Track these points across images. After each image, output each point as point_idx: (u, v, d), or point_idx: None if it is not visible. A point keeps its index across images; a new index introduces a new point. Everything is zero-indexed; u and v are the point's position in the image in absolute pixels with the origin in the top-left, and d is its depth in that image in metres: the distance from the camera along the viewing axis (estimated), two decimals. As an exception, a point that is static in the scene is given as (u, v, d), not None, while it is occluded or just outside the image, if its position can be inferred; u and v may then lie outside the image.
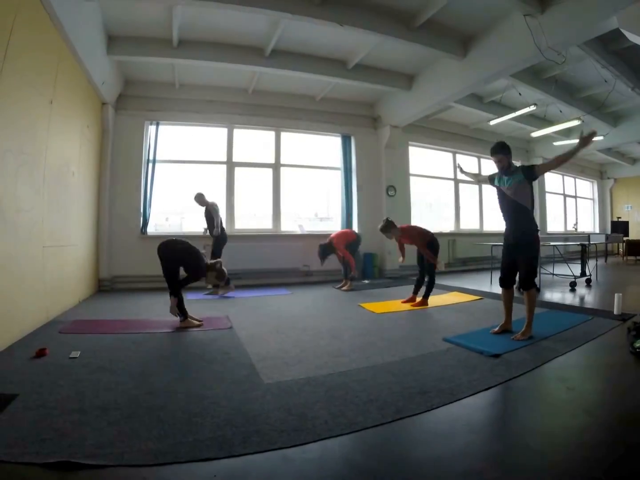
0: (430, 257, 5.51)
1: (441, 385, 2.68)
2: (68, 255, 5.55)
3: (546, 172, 3.96)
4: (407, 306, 5.58)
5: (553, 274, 7.94)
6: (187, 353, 3.51)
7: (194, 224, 8.49)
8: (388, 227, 5.67)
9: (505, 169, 3.88)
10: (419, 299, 5.72)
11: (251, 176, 8.87)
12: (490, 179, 4.09)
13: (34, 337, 3.99)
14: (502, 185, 3.95)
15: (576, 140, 3.53)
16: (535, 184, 11.56)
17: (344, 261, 7.37)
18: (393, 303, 5.71)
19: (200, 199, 6.91)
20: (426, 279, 5.74)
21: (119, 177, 7.61)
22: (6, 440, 1.94)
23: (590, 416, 2.26)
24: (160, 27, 6.04)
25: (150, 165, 7.91)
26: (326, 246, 7.20)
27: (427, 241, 5.61)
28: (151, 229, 8.01)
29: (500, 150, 3.84)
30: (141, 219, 7.79)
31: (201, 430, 2.07)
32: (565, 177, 14.95)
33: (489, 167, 11.75)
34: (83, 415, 2.24)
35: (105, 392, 2.57)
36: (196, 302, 6.10)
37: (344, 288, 7.37)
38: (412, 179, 10.32)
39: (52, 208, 4.85)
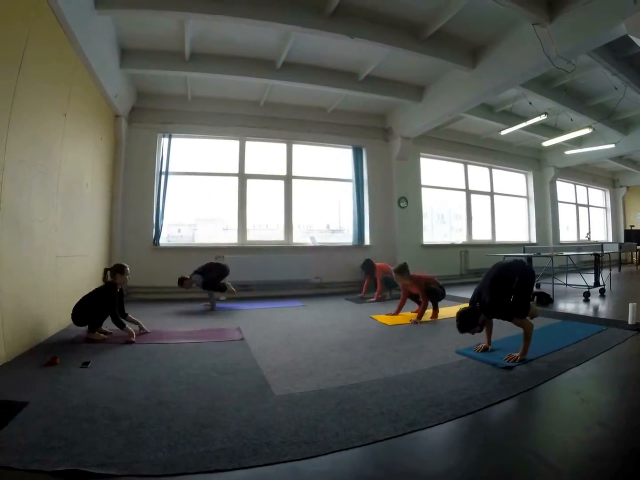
0: (423, 306, 5.45)
1: (454, 397, 2.64)
2: (81, 265, 5.61)
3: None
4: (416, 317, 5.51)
5: (566, 284, 7.84)
6: (198, 364, 3.49)
7: (206, 236, 8.59)
8: (403, 270, 5.55)
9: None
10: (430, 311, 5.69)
11: (263, 188, 8.93)
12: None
13: (46, 345, 4.03)
14: None
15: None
16: (547, 193, 11.54)
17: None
18: (405, 315, 5.64)
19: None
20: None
21: (132, 188, 7.70)
22: (16, 447, 1.95)
23: (605, 428, 2.21)
24: (173, 40, 6.14)
25: (163, 177, 7.99)
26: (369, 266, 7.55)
27: (431, 288, 5.59)
28: (163, 241, 8.07)
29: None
30: (154, 230, 7.86)
31: (211, 442, 2.06)
32: (578, 187, 14.83)
33: (500, 177, 11.75)
34: (93, 424, 2.24)
35: (115, 402, 2.57)
36: (208, 314, 6.21)
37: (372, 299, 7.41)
38: (423, 190, 10.28)
39: (65, 218, 4.91)
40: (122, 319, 4.45)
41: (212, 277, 6.51)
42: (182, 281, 6.47)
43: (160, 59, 6.50)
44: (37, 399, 2.57)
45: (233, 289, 6.78)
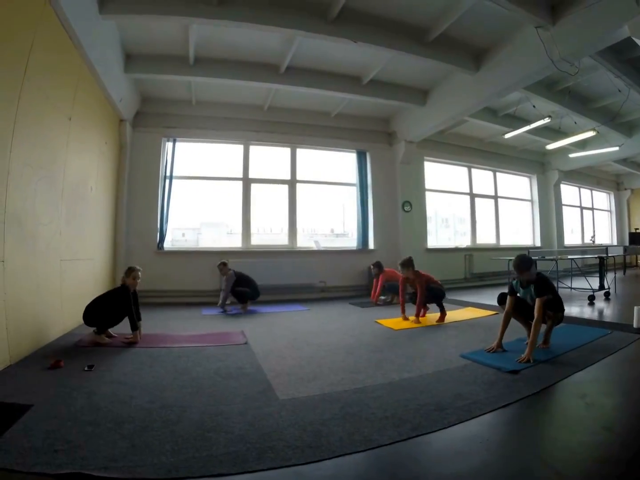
0: (419, 300, 5.54)
1: (458, 402, 2.62)
2: (85, 268, 5.63)
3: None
4: (425, 322, 5.51)
5: (571, 288, 7.80)
6: (201, 368, 3.49)
7: (210, 240, 8.66)
8: (409, 263, 5.61)
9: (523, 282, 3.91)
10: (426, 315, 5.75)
11: (267, 192, 8.94)
12: (511, 292, 4.00)
13: (50, 348, 4.04)
14: (520, 295, 3.99)
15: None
16: (551, 196, 11.46)
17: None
18: (410, 319, 5.62)
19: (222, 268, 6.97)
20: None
21: (136, 192, 7.73)
22: (19, 450, 1.95)
23: (610, 432, 2.19)
24: (177, 45, 6.17)
25: (167, 181, 8.02)
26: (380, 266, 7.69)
27: (430, 287, 5.67)
28: (168, 245, 8.10)
29: (516, 267, 3.87)
30: (158, 234, 7.88)
31: (215, 446, 2.05)
32: (582, 189, 14.79)
33: (504, 181, 11.73)
34: (96, 427, 2.24)
35: (119, 405, 2.58)
36: (212, 318, 6.21)
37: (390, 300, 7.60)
38: (427, 194, 10.28)
39: (70, 222, 4.94)
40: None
41: (240, 289, 6.81)
42: (224, 264, 6.84)
43: (164, 63, 6.54)
44: (41, 402, 2.58)
45: (247, 307, 6.90)
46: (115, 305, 4.33)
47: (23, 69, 3.57)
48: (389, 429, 2.24)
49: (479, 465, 1.89)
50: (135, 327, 4.37)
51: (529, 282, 3.83)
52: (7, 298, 3.43)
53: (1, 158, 3.35)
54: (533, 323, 3.64)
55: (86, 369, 3.36)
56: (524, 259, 3.90)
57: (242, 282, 6.79)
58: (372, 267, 7.80)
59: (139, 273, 4.60)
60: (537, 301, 3.66)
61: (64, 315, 4.74)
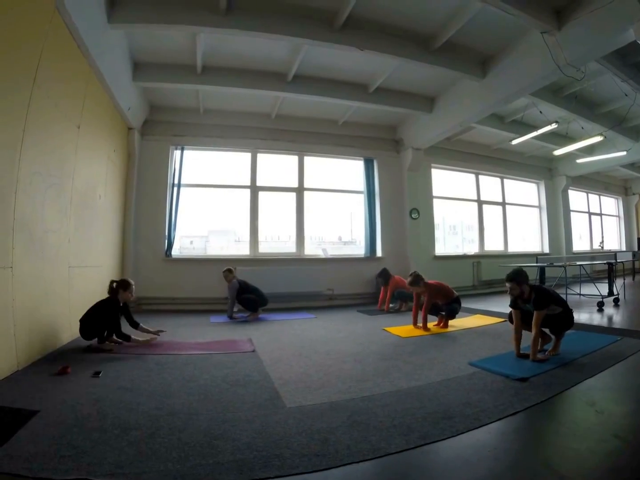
0: (424, 313, 5.49)
1: (466, 410, 2.60)
2: (93, 275, 5.66)
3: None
4: (432, 330, 5.48)
5: (580, 294, 7.73)
6: (209, 375, 3.49)
7: (218, 247, 8.71)
8: (417, 280, 5.52)
9: (519, 296, 3.84)
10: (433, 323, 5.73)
11: (275, 200, 8.96)
12: (514, 305, 3.94)
13: (57, 355, 4.07)
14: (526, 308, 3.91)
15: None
16: (559, 202, 11.33)
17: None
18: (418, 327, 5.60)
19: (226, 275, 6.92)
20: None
21: (145, 200, 7.78)
22: (25, 455, 1.96)
23: (620, 440, 2.16)
24: (185, 54, 6.23)
25: (175, 189, 8.07)
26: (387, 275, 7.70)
27: (452, 298, 5.69)
28: (175, 252, 8.13)
29: (511, 279, 3.80)
30: (166, 242, 7.91)
31: (222, 453, 2.05)
32: (590, 195, 14.67)
33: (512, 187, 11.67)
34: (103, 433, 2.24)
35: (126, 412, 2.58)
36: (220, 325, 6.21)
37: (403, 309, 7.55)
38: (435, 201, 10.25)
39: (78, 229, 4.98)
40: (134, 327, 4.57)
41: (248, 297, 6.74)
42: (229, 271, 6.82)
43: (172, 72, 6.60)
44: (48, 408, 2.59)
45: (257, 315, 6.87)
46: (105, 318, 4.32)
47: (32, 77, 3.62)
48: (396, 437, 2.22)
49: (487, 474, 1.87)
50: (127, 338, 4.37)
51: (528, 297, 3.78)
52: (15, 304, 3.45)
53: (10, 166, 3.39)
54: (531, 339, 3.65)
55: (93, 375, 3.37)
56: (518, 272, 3.80)
57: (246, 291, 6.75)
58: (377, 277, 7.75)
59: (133, 287, 4.65)
60: (535, 314, 3.65)
61: (72, 322, 4.75)
